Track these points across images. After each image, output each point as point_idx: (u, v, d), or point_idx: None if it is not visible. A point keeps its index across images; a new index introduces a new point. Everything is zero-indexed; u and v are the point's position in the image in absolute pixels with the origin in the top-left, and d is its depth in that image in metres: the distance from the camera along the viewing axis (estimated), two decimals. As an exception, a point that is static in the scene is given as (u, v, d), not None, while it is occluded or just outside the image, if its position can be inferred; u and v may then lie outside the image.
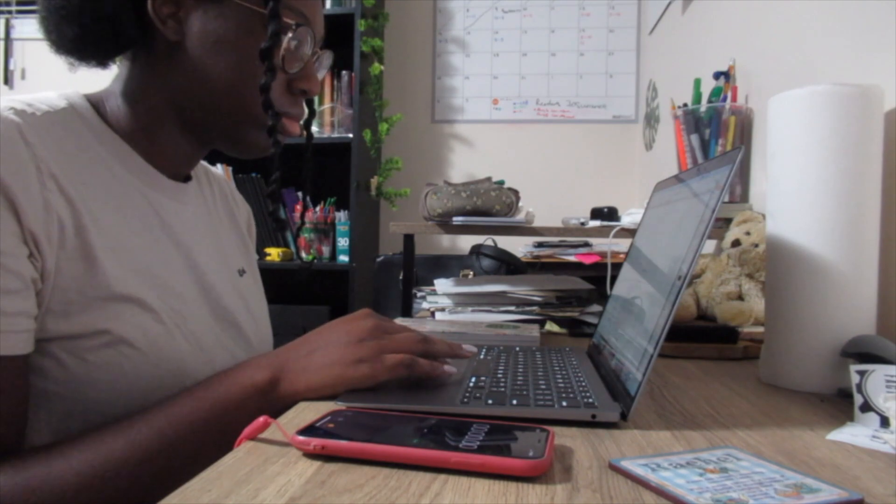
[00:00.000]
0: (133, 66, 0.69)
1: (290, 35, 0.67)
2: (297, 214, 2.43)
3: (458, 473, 0.39)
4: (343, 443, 0.41)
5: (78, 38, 0.65)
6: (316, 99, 3.05)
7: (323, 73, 0.77)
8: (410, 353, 0.59)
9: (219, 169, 2.51)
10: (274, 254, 2.44)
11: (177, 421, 0.55)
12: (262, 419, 0.46)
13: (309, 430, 0.43)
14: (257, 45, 0.64)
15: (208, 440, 0.55)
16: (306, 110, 0.76)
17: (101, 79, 0.72)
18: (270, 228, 2.46)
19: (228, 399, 0.56)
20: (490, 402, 0.53)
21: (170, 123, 0.69)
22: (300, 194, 2.47)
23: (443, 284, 1.20)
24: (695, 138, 1.37)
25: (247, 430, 0.45)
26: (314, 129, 2.51)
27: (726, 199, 1.17)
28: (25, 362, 0.55)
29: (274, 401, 0.57)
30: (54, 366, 0.57)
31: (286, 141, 0.72)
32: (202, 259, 0.72)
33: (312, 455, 0.42)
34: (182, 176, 0.75)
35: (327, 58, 0.76)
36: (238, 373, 0.59)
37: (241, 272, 0.82)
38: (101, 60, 0.69)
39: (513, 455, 0.39)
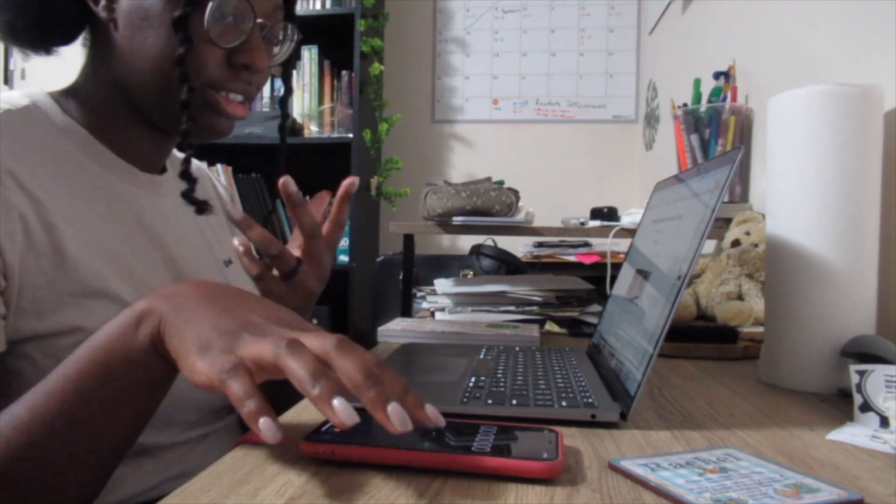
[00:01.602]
0: (85, 55, 0.67)
1: (211, 4, 0.61)
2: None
3: (459, 474, 0.39)
4: (353, 448, 0.41)
5: (9, 23, 0.62)
6: (315, 99, 3.01)
7: (290, 46, 0.72)
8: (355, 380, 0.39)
9: (218, 169, 2.51)
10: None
11: (78, 365, 0.46)
12: None
13: (315, 435, 0.42)
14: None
15: (103, 383, 0.45)
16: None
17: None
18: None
19: (109, 333, 0.47)
20: (490, 401, 0.52)
21: (124, 111, 0.67)
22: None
23: (443, 284, 1.20)
24: (695, 138, 1.37)
25: (248, 434, 0.45)
26: (314, 129, 2.53)
27: (726, 199, 1.17)
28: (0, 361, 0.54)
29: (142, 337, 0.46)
30: (29, 367, 0.55)
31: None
32: (181, 251, 0.71)
33: (312, 455, 0.42)
34: (156, 168, 0.73)
35: (291, 30, 0.71)
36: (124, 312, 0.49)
37: (228, 262, 0.80)
38: (43, 47, 0.66)
39: (527, 457, 0.39)
